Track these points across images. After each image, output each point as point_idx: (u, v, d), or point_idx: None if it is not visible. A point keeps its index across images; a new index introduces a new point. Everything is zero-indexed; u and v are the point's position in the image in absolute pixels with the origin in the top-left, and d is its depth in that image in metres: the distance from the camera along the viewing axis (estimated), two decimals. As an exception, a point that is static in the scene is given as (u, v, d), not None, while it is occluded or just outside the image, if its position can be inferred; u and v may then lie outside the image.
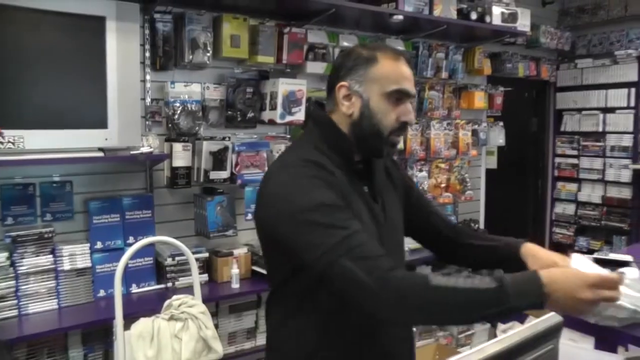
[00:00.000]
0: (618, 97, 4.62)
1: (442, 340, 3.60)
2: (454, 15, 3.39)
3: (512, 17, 3.63)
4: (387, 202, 1.41)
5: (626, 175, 4.59)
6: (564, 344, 1.30)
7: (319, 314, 1.29)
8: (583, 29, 4.92)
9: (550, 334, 0.92)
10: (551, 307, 1.09)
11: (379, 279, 1.10)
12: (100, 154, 2.34)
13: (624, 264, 1.79)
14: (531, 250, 1.43)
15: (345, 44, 3.19)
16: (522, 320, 1.18)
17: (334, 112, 1.36)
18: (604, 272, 1.18)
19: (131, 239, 2.54)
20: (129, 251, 2.10)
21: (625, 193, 4.64)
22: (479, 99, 3.98)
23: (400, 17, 3.07)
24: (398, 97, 1.31)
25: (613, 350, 1.28)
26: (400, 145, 3.41)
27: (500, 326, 1.47)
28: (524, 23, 3.73)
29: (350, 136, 1.33)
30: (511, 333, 0.85)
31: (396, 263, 1.20)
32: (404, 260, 1.50)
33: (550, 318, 0.95)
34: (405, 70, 1.33)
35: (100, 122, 2.33)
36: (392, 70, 1.31)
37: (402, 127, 1.33)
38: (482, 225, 4.23)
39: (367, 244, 1.16)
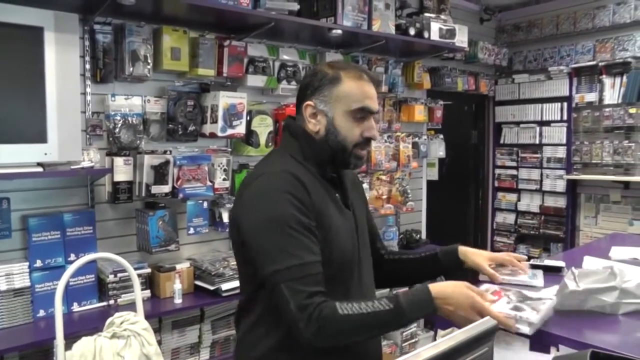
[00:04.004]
0: (552, 111, 4.84)
1: (386, 349, 3.65)
2: (392, 30, 3.46)
3: (450, 33, 3.74)
4: (356, 211, 1.51)
5: (561, 185, 4.80)
6: (500, 347, 1.35)
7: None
8: (519, 45, 5.14)
9: (484, 337, 0.95)
10: (443, 316, 1.29)
11: (305, 314, 1.22)
12: (40, 169, 2.28)
13: (558, 269, 1.91)
14: (467, 250, 1.65)
15: (286, 57, 3.23)
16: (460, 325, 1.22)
17: (305, 127, 1.44)
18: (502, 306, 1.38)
19: (72, 256, 2.47)
20: (70, 269, 2.05)
21: (561, 202, 4.85)
22: (419, 112, 4.08)
23: (339, 31, 3.12)
24: (361, 115, 1.40)
25: (546, 351, 1.34)
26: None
27: (440, 332, 1.51)
28: (461, 39, 3.86)
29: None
30: (447, 337, 0.88)
31: (367, 267, 1.48)
32: (371, 266, 1.58)
33: (485, 322, 0.98)
34: (368, 88, 1.41)
35: (39, 136, 2.26)
36: (355, 89, 1.40)
37: (366, 141, 1.43)
38: (424, 236, 4.31)
39: (309, 278, 1.25)
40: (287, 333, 1.32)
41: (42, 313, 2.38)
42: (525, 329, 1.35)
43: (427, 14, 3.74)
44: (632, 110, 4.26)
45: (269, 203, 1.30)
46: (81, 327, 2.26)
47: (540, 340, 1.36)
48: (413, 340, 3.86)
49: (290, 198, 1.30)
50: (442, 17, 3.81)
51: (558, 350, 1.31)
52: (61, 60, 2.30)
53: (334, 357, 1.35)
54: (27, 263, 2.36)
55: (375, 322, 1.25)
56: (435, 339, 1.22)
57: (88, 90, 2.59)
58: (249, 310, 1.43)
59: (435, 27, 3.65)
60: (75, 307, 2.49)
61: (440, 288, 1.29)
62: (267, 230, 1.28)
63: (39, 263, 2.40)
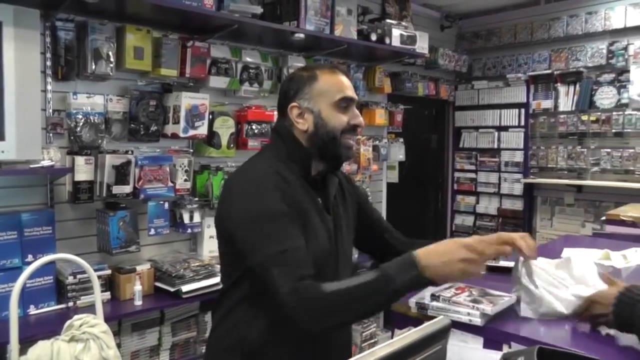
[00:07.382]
0: (510, 117, 4.99)
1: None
2: (354, 35, 3.51)
3: (411, 39, 3.81)
4: (338, 215, 1.55)
5: (518, 189, 4.95)
6: (455, 345, 1.40)
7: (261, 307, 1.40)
8: (478, 52, 5.27)
9: (438, 336, 0.98)
10: (434, 276, 1.25)
11: (294, 297, 1.24)
12: (-4, 168, 2.24)
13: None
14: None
15: (249, 59, 3.24)
16: (417, 325, 1.26)
17: (292, 130, 1.49)
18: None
19: (30, 257, 2.41)
20: (27, 270, 2.00)
21: (518, 205, 4.99)
22: (380, 116, 4.14)
23: (302, 35, 3.15)
24: (345, 104, 1.47)
25: (499, 348, 1.39)
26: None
27: (397, 331, 1.55)
28: (422, 45, 3.93)
29: (310, 147, 1.47)
30: (402, 336, 0.90)
31: (344, 270, 1.50)
32: (351, 268, 1.62)
33: (439, 321, 1.01)
34: (344, 79, 1.50)
35: (-5, 133, 2.22)
36: (333, 82, 1.48)
37: (353, 129, 1.49)
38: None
39: (299, 262, 1.29)
40: (250, 324, 1.38)
41: (-4, 316, 2.33)
42: (477, 320, 1.42)
43: (388, 20, 3.80)
44: (584, 117, 4.43)
45: (254, 196, 1.36)
46: (38, 331, 2.20)
47: (493, 337, 1.42)
48: (372, 341, 3.91)
49: (274, 190, 1.36)
50: (404, 23, 3.88)
51: (510, 347, 1.36)
52: (21, 57, 2.26)
53: (305, 346, 1.41)
54: (-19, 264, 2.30)
55: (364, 293, 1.24)
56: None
57: (49, 87, 2.55)
58: (225, 301, 1.49)
59: (396, 33, 3.71)
60: (32, 310, 2.44)
61: (424, 248, 1.28)
62: (255, 221, 1.32)
63: (-7, 264, 2.34)
